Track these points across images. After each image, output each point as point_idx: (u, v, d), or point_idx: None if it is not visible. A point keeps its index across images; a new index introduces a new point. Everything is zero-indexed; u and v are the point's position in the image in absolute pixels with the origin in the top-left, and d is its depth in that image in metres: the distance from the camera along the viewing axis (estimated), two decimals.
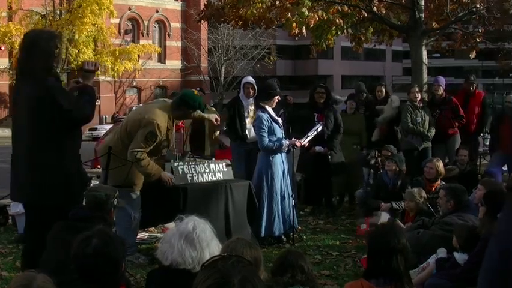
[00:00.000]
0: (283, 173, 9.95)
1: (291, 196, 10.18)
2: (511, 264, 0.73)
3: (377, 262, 4.73)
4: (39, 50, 6.50)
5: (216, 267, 2.92)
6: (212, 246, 4.33)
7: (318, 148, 11.58)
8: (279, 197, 9.85)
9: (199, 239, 4.31)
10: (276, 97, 9.96)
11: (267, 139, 9.75)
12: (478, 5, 16.20)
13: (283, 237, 9.98)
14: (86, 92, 6.78)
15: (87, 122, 6.94)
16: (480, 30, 18.09)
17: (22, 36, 7.31)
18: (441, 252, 6.98)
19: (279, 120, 10.08)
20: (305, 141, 10.36)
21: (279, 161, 9.89)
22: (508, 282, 0.74)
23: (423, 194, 9.35)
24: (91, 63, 6.99)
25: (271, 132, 9.79)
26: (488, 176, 10.45)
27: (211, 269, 2.92)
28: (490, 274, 0.77)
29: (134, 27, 54.20)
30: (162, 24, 56.34)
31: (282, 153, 9.98)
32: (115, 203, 6.11)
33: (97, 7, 41.46)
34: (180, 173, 8.85)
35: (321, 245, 10.00)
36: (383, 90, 13.94)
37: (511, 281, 0.73)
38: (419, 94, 13.13)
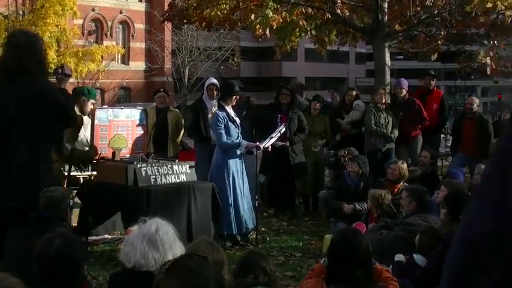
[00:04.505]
0: (238, 172, 9.96)
1: (255, 198, 10.21)
2: (473, 258, 0.74)
3: (338, 268, 4.76)
4: (33, 49, 6.49)
5: (178, 267, 2.91)
6: (175, 248, 4.32)
7: (278, 143, 11.52)
8: (232, 197, 9.86)
9: (162, 241, 4.29)
10: (235, 96, 9.98)
11: (225, 136, 9.79)
12: (440, 8, 16.32)
13: (238, 237, 9.98)
14: (66, 95, 6.81)
15: (75, 125, 6.95)
16: (442, 33, 18.23)
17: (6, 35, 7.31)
18: (398, 257, 7.02)
19: (237, 120, 10.10)
20: (268, 143, 10.39)
21: (234, 160, 9.92)
22: (471, 277, 0.74)
23: (385, 194, 9.40)
24: (68, 68, 7.04)
25: (226, 131, 9.82)
26: (450, 177, 10.54)
27: (173, 270, 2.90)
28: (453, 271, 0.78)
29: (98, 28, 53.79)
30: (126, 25, 56.01)
31: (238, 153, 10.00)
32: (71, 203, 6.08)
33: (60, 8, 41.06)
34: (143, 174, 8.80)
35: (285, 246, 10.03)
36: (354, 94, 14.01)
37: (474, 276, 0.73)
38: (385, 96, 13.22)
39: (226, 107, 9.97)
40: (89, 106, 9.79)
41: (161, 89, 12.87)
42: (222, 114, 9.88)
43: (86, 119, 10.11)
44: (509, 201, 0.79)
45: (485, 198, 0.84)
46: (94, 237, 9.64)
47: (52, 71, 7.39)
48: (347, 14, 16.86)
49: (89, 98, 9.90)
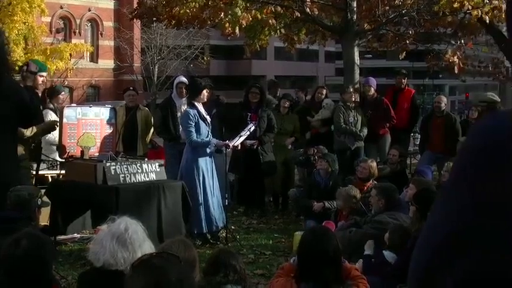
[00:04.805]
0: (208, 170, 9.95)
1: (225, 196, 10.21)
2: (438, 260, 0.75)
3: (307, 267, 4.77)
4: None
5: (148, 265, 2.91)
6: (144, 247, 4.31)
7: (248, 142, 11.50)
8: (203, 195, 9.86)
9: (131, 240, 4.28)
10: (204, 91, 9.94)
11: (195, 134, 9.76)
12: (408, 7, 16.43)
13: (208, 235, 9.98)
14: (32, 93, 6.74)
15: (39, 123, 6.87)
16: (411, 32, 18.36)
17: None
18: (368, 249, 7.05)
19: (208, 118, 10.08)
20: (238, 142, 10.38)
21: (204, 159, 9.91)
22: (436, 279, 0.75)
23: (354, 192, 9.43)
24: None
25: (197, 129, 9.80)
26: (419, 174, 10.61)
27: (143, 268, 2.90)
28: (418, 271, 0.78)
29: (66, 26, 53.37)
30: (94, 23, 55.63)
31: (208, 151, 9.99)
32: (39, 202, 6.04)
33: (28, 5, 40.70)
34: (112, 173, 8.76)
35: (255, 244, 10.04)
36: (324, 92, 14.04)
37: (438, 278, 0.74)
38: (355, 95, 13.27)
39: (197, 105, 9.93)
40: (40, 79, 9.46)
41: (131, 88, 12.82)
42: (192, 112, 9.85)
43: (54, 117, 10.04)
44: (476, 201, 0.80)
45: (452, 198, 0.85)
46: (62, 237, 9.58)
47: (18, 69, 7.30)
48: (316, 12, 16.90)
49: (39, 71, 9.55)
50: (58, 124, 9.36)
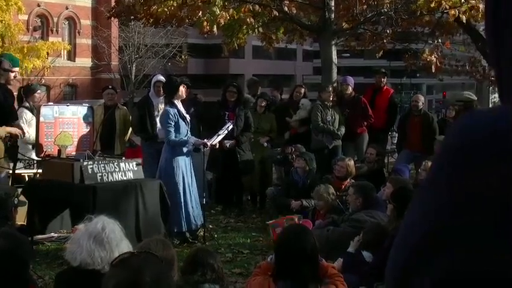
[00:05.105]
0: (187, 169, 9.94)
1: (203, 195, 10.21)
2: (415, 260, 0.75)
3: (285, 265, 4.78)
4: None
5: (126, 263, 2.90)
6: (122, 247, 4.29)
7: (226, 142, 11.50)
8: (182, 194, 9.84)
9: (108, 239, 4.26)
10: (180, 87, 9.91)
11: (173, 133, 9.74)
12: (385, 7, 16.49)
13: (187, 234, 9.96)
14: (5, 91, 6.69)
15: (14, 121, 6.82)
16: (388, 31, 18.43)
17: None
18: (353, 246, 7.08)
19: (187, 117, 10.06)
20: (216, 141, 10.38)
21: (183, 158, 9.89)
22: (413, 279, 0.75)
23: (331, 190, 9.46)
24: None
25: (176, 128, 9.77)
26: (396, 173, 10.66)
27: (121, 266, 2.89)
28: (395, 271, 0.78)
29: (43, 24, 53.09)
30: (72, 21, 55.37)
31: (186, 150, 9.97)
32: (16, 202, 6.01)
33: (5, 3, 40.43)
34: (89, 172, 8.72)
35: (232, 243, 10.04)
36: (302, 91, 14.06)
37: (416, 278, 0.74)
38: (333, 94, 13.30)
39: (176, 103, 9.90)
40: (11, 75, 9.33)
41: (110, 86, 12.79)
42: (172, 111, 9.81)
43: (30, 116, 9.99)
44: (454, 201, 0.80)
45: (429, 198, 0.85)
46: (40, 236, 9.52)
47: None
48: (294, 11, 16.92)
49: (13, 65, 9.41)
50: (22, 135, 9.28)
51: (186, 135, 9.94)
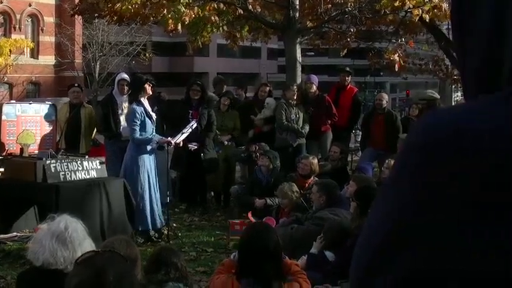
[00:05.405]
0: (151, 168, 9.91)
1: (167, 194, 10.18)
2: (377, 259, 0.75)
3: (248, 263, 4.78)
4: None
5: (89, 262, 2.88)
6: (85, 246, 4.26)
7: (190, 145, 11.50)
8: (147, 192, 9.81)
9: (71, 239, 4.23)
10: (145, 85, 9.88)
11: (138, 132, 9.71)
12: (350, 6, 16.58)
13: (151, 232, 9.93)
14: None
15: None
16: (352, 30, 18.54)
17: None
18: (315, 248, 7.10)
19: (153, 116, 10.03)
20: (180, 139, 10.36)
21: (147, 156, 9.86)
22: (374, 277, 0.75)
23: (295, 188, 9.48)
24: None
25: (142, 127, 9.74)
26: (360, 171, 10.71)
27: (84, 265, 2.88)
28: (358, 270, 0.78)
29: (6, 21, 52.54)
30: (35, 18, 54.88)
31: (151, 148, 9.94)
32: None
33: None
34: (52, 171, 8.66)
35: (196, 241, 10.03)
36: (267, 89, 14.07)
37: (377, 276, 0.74)
38: (298, 93, 13.33)
39: (143, 101, 9.87)
40: None
41: (76, 84, 12.70)
42: (139, 109, 9.77)
43: None
44: (416, 199, 0.81)
45: (392, 196, 0.85)
46: (2, 236, 9.44)
47: None
48: (259, 10, 16.94)
49: None
50: None
51: (152, 133, 9.91)
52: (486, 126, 0.78)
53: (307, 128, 12.94)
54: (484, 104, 0.82)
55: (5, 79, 51.23)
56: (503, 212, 0.75)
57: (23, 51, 50.83)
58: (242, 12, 16.11)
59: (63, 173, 8.81)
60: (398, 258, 0.80)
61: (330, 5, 17.72)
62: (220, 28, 17.22)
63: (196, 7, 14.73)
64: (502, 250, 0.74)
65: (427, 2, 14.29)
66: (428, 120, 0.85)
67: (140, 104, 9.83)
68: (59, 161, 8.86)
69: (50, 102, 10.89)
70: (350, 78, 14.82)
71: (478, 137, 0.77)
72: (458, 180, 0.77)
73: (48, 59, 54.84)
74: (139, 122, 9.72)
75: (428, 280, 0.77)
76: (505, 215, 0.75)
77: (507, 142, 0.76)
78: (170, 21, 14.38)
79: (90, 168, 9.19)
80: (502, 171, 0.75)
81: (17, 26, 53.26)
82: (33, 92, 52.25)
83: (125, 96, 11.16)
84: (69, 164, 8.95)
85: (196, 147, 11.63)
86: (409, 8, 14.77)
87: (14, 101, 13.52)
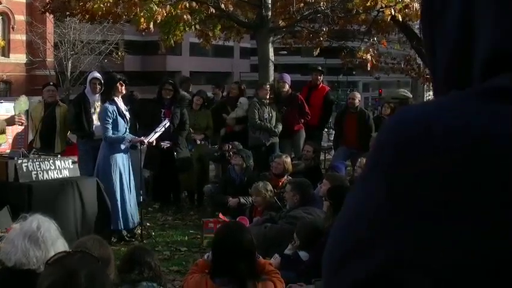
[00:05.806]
0: (125, 167, 9.89)
1: (140, 193, 10.16)
2: (346, 259, 0.75)
3: (222, 262, 4.78)
4: None
5: (61, 263, 2.87)
6: (57, 246, 4.24)
7: (163, 143, 11.48)
8: (119, 192, 9.79)
9: (43, 238, 4.21)
10: (118, 84, 9.85)
11: (110, 130, 9.68)
12: (322, 5, 16.63)
13: (124, 232, 9.90)
14: None
15: None
16: (325, 29, 18.60)
17: None
18: (289, 249, 7.11)
19: (127, 115, 10.00)
20: (153, 138, 10.34)
21: (120, 155, 9.83)
22: (344, 277, 0.76)
23: (269, 187, 9.50)
24: None
25: (114, 125, 9.71)
26: (333, 170, 10.75)
27: (56, 265, 2.87)
28: (329, 271, 0.79)
29: None
30: (6, 16, 54.43)
31: (124, 147, 9.91)
32: None
33: None
34: (24, 170, 8.61)
35: (170, 241, 10.03)
36: (237, 88, 14.07)
37: (348, 276, 0.75)
38: (270, 92, 13.35)
39: (116, 100, 9.84)
40: None
41: (51, 83, 12.63)
42: (111, 108, 9.75)
43: None
44: (387, 197, 0.81)
45: (363, 194, 0.86)
46: None
47: None
48: (231, 8, 16.95)
49: None
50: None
51: (125, 132, 9.89)
52: (457, 123, 0.78)
53: (280, 127, 12.97)
54: (455, 100, 0.83)
55: None
56: (473, 211, 0.76)
57: None
58: (214, 11, 16.10)
59: (35, 172, 8.76)
60: (369, 256, 0.80)
61: (302, 4, 17.76)
62: (193, 27, 17.21)
63: (168, 5, 14.68)
64: (468, 249, 0.75)
65: (398, 1, 14.36)
66: (399, 118, 0.85)
67: (113, 102, 9.80)
68: (31, 160, 8.81)
69: None
70: (322, 77, 14.86)
71: (449, 134, 0.78)
72: (429, 179, 0.78)
73: (19, 58, 54.41)
74: (111, 121, 9.69)
75: (400, 277, 0.78)
76: (474, 214, 0.75)
77: (477, 139, 0.76)
78: (142, 19, 14.33)
79: (63, 168, 9.14)
80: (472, 169, 0.76)
81: None
82: (4, 90, 51.83)
83: (97, 95, 11.11)
84: (41, 163, 8.89)
85: (168, 145, 11.61)
86: (381, 7, 14.83)
87: None
